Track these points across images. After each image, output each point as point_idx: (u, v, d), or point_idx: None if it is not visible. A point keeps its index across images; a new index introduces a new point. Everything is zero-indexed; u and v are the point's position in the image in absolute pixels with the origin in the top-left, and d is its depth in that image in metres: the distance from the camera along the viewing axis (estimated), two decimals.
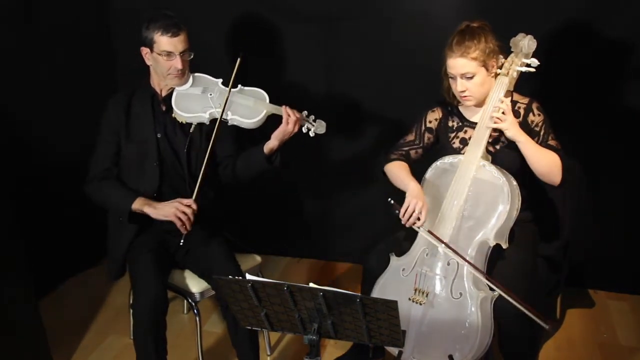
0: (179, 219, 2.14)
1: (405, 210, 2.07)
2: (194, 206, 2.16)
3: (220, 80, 2.32)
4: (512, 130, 2.04)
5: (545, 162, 2.08)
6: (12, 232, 2.23)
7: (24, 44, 2.85)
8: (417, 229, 2.10)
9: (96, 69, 3.23)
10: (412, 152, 2.33)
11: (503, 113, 2.04)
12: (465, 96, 2.12)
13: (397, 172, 2.25)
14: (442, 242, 2.06)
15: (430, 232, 2.09)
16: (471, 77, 2.08)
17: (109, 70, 3.28)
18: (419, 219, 2.06)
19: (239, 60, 2.22)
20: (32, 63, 2.90)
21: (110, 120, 2.30)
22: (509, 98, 2.13)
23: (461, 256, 2.03)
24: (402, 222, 2.09)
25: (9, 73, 2.77)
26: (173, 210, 2.15)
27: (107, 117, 2.30)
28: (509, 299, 1.96)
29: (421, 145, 2.32)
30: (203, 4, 3.07)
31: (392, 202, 2.09)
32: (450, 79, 2.15)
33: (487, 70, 2.09)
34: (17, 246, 2.25)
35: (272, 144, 2.27)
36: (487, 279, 2.02)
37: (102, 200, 2.31)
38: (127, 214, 2.24)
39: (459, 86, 2.10)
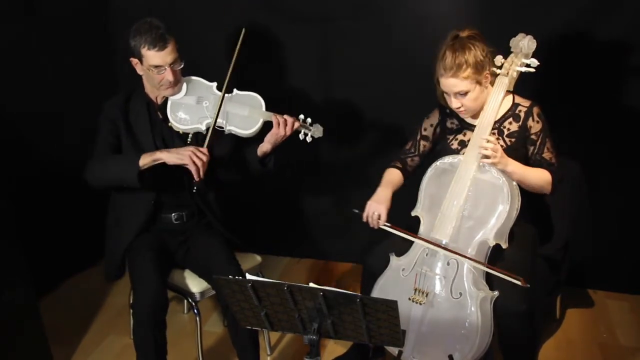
0: (194, 163, 2.10)
1: (366, 215, 2.20)
2: (207, 156, 2.13)
3: (215, 84, 2.29)
4: (502, 163, 2.05)
5: (534, 183, 2.12)
6: (12, 232, 2.23)
7: (23, 44, 2.85)
8: (385, 227, 2.17)
9: (96, 67, 3.23)
10: (409, 160, 2.37)
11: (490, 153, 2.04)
12: (460, 111, 2.15)
13: (383, 178, 2.34)
14: (416, 237, 2.12)
15: (414, 235, 2.14)
16: (465, 94, 2.08)
17: (109, 69, 3.27)
18: (380, 219, 2.17)
19: (241, 36, 2.20)
20: (30, 63, 2.90)
21: (109, 121, 2.25)
22: (496, 138, 2.13)
23: (436, 244, 2.07)
24: (371, 226, 2.21)
25: (8, 73, 2.77)
26: (189, 154, 2.10)
27: (106, 119, 2.25)
28: (481, 267, 2.03)
29: (417, 153, 2.35)
30: (202, 4, 3.07)
31: (357, 211, 2.23)
32: (445, 94, 2.15)
33: (481, 84, 2.09)
34: (17, 246, 2.25)
35: (265, 147, 2.28)
36: (478, 262, 2.04)
37: (104, 172, 2.17)
38: (136, 173, 2.10)
39: (453, 103, 2.12)
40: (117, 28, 3.24)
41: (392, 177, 2.33)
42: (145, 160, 2.13)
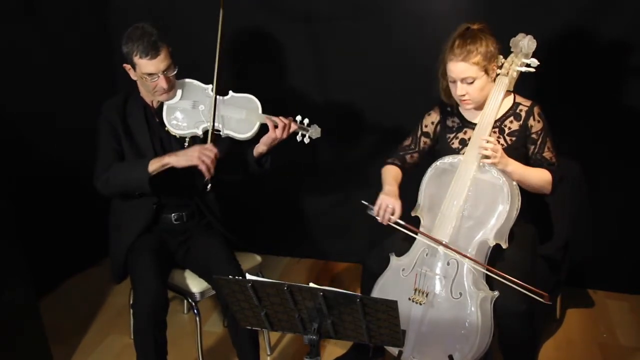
0: (203, 162, 2.12)
1: (379, 208, 2.13)
2: (215, 151, 2.14)
3: (210, 86, 2.27)
4: (502, 163, 2.05)
5: (534, 183, 2.12)
6: (12, 232, 2.23)
7: (23, 44, 2.85)
8: (395, 226, 2.13)
9: (96, 67, 3.23)
10: (408, 157, 2.35)
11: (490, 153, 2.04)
12: (465, 100, 2.13)
13: (384, 175, 2.30)
14: (437, 241, 2.07)
15: (424, 233, 2.12)
16: (472, 82, 2.08)
17: (108, 69, 3.27)
18: (393, 214, 2.12)
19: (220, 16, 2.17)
20: (30, 63, 2.90)
21: (108, 123, 2.25)
22: (495, 137, 2.13)
23: (456, 250, 2.04)
24: (379, 221, 2.15)
25: (8, 73, 2.77)
26: (197, 154, 2.13)
27: (105, 121, 2.25)
28: (503, 280, 1.99)
29: (417, 149, 2.34)
30: (202, 4, 3.07)
31: (366, 203, 2.16)
32: (450, 82, 2.15)
33: (488, 74, 2.09)
34: (17, 246, 2.25)
35: (260, 148, 2.29)
36: (482, 265, 2.05)
37: (116, 181, 2.18)
38: (146, 181, 2.14)
39: (459, 90, 2.10)
40: (117, 28, 3.22)
41: (395, 174, 2.30)
42: (154, 166, 2.15)
